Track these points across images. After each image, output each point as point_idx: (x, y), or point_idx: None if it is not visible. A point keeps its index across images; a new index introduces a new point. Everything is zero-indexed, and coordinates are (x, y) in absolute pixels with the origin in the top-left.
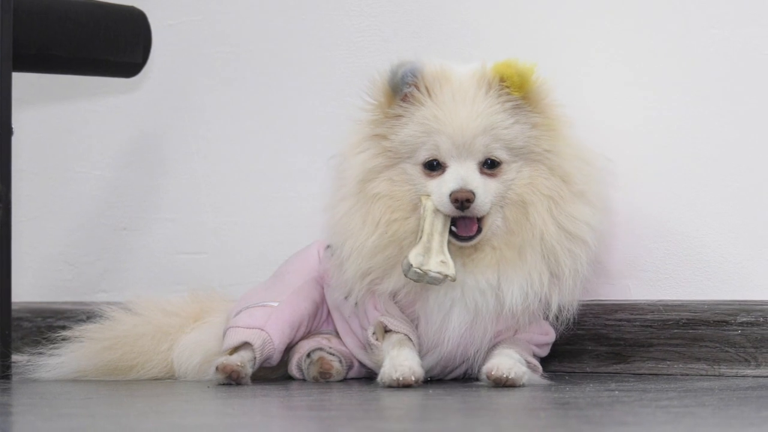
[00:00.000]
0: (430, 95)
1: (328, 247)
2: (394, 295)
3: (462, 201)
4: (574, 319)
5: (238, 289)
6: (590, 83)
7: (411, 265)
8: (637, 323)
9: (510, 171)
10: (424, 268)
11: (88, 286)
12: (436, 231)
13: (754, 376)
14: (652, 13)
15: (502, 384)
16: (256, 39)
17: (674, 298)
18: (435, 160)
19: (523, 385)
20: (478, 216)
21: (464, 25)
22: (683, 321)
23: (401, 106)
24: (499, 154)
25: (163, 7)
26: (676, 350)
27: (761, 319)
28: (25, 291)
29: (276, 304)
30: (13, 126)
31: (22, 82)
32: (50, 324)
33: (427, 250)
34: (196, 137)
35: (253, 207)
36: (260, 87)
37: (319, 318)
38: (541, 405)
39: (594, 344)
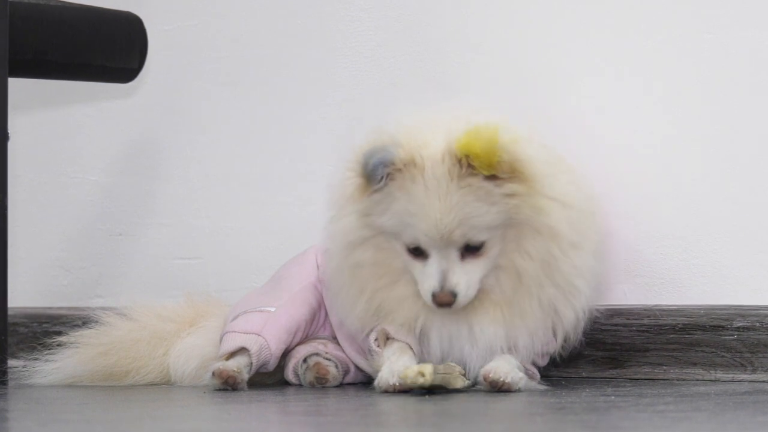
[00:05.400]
0: (401, 188)
1: (327, 250)
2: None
3: (443, 305)
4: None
5: (233, 294)
6: (588, 87)
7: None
8: (633, 328)
9: (494, 245)
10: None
11: (83, 292)
12: None
13: (750, 381)
14: (651, 16)
15: (498, 388)
16: (252, 44)
17: (670, 303)
18: (417, 247)
19: (519, 390)
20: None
21: (462, 28)
22: (679, 326)
23: (379, 191)
24: (480, 237)
25: (159, 12)
26: (672, 355)
27: (757, 324)
28: (20, 296)
29: (273, 309)
30: (9, 131)
31: (17, 87)
32: (46, 329)
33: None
34: (192, 142)
35: (249, 212)
36: (257, 92)
37: (316, 323)
38: (537, 410)
39: (590, 349)
